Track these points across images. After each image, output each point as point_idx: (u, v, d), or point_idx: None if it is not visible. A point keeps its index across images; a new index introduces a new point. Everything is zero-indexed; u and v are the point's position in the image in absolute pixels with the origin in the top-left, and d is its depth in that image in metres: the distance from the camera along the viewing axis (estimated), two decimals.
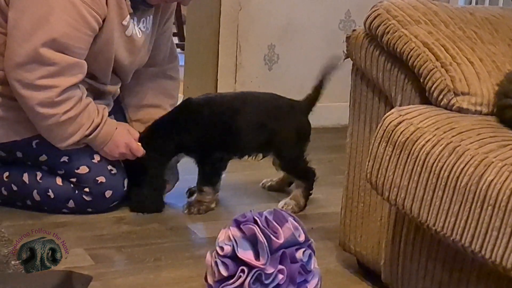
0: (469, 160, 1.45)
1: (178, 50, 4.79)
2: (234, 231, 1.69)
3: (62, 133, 2.20)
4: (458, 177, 1.45)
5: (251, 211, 1.73)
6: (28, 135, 2.25)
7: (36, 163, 2.29)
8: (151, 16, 2.37)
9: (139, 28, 2.32)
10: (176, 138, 2.35)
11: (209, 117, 2.36)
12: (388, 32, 1.76)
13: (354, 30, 1.92)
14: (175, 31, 5.08)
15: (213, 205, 2.38)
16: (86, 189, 2.27)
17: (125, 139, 2.30)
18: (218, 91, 3.35)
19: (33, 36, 2.09)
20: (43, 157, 2.28)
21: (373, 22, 1.80)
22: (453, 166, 1.47)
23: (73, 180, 2.27)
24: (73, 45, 2.13)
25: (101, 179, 2.27)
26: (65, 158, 2.27)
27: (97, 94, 2.33)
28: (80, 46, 2.16)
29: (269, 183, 2.59)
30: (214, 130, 2.35)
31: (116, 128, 2.29)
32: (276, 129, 2.37)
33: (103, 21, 2.18)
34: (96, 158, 2.29)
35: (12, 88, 2.15)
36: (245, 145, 2.39)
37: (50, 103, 2.14)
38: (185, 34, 3.98)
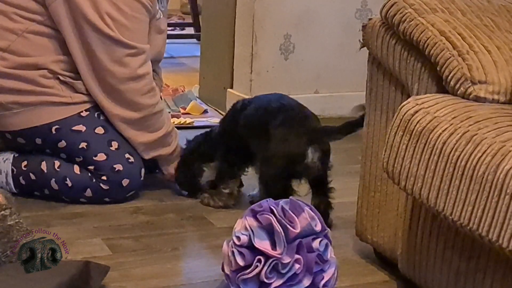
0: (486, 149, 1.44)
1: (194, 40, 4.83)
2: (250, 221, 1.70)
3: (156, 122, 2.35)
4: (475, 166, 1.45)
5: (267, 200, 1.74)
6: (47, 121, 2.27)
7: (55, 150, 2.31)
8: None
9: (159, 8, 2.42)
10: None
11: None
12: (404, 21, 1.75)
13: (370, 19, 1.91)
14: (191, 21, 5.08)
15: (228, 198, 2.33)
16: (104, 177, 2.28)
17: None
18: (234, 81, 3.35)
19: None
20: (62, 143, 2.29)
21: (389, 11, 1.79)
22: (470, 155, 1.46)
23: (91, 168, 2.28)
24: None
25: (118, 167, 2.28)
26: (83, 145, 2.28)
27: None
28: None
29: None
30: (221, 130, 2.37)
31: None
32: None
33: None
34: (114, 145, 2.30)
35: (107, 87, 2.27)
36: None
37: (149, 90, 2.31)
38: (200, 24, 3.98)
